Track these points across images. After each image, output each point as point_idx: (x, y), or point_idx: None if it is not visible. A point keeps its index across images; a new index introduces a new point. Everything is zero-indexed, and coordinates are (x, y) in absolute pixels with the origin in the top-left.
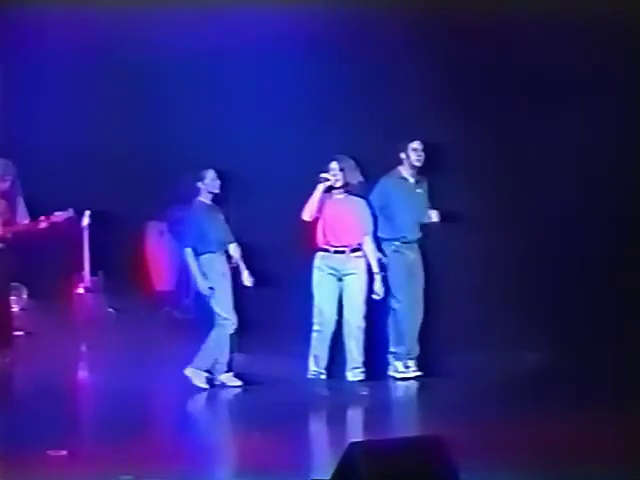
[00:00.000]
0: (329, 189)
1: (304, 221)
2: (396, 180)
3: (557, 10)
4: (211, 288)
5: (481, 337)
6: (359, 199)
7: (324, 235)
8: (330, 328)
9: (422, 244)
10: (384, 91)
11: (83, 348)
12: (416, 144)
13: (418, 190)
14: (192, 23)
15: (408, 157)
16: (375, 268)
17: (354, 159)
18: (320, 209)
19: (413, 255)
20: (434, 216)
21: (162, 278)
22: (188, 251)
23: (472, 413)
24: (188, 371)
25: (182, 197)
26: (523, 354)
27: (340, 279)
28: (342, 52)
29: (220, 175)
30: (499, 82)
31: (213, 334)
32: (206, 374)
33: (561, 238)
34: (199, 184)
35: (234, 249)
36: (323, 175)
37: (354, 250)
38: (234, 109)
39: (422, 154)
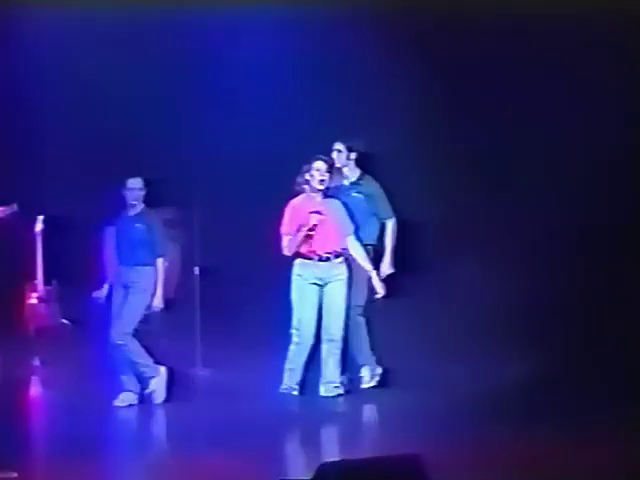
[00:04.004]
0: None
1: (277, 226)
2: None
3: (523, 6)
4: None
5: (461, 348)
6: (334, 200)
7: (304, 243)
8: (310, 340)
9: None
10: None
11: (36, 362)
12: (336, 145)
13: (354, 194)
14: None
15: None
16: (368, 266)
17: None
18: (304, 215)
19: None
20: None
21: None
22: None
23: (452, 430)
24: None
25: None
26: (507, 366)
27: (322, 287)
28: (306, 51)
29: (184, 179)
30: (468, 79)
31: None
32: (130, 393)
33: (540, 240)
34: (127, 192)
35: (161, 262)
36: (316, 218)
37: (337, 256)
38: (196, 111)
39: (342, 156)
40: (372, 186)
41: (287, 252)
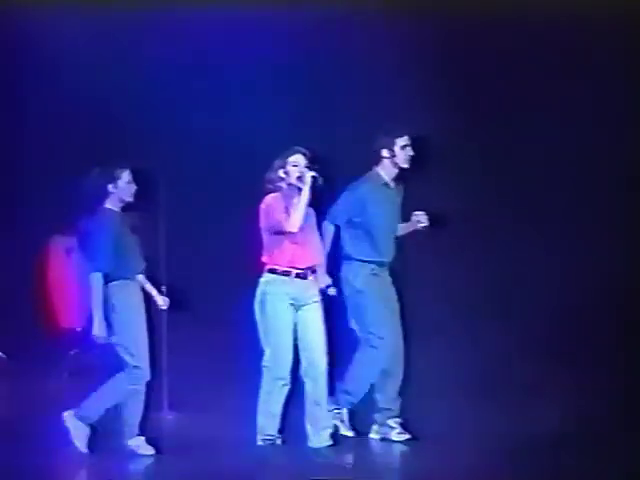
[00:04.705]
0: (276, 188)
1: (255, 235)
2: (376, 186)
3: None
4: (110, 336)
5: (483, 386)
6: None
7: (287, 253)
8: (288, 376)
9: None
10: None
11: None
12: (405, 140)
13: (397, 199)
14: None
15: (393, 156)
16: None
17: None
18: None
19: (389, 279)
20: (423, 219)
21: (69, 311)
22: (96, 277)
23: None
24: (67, 414)
25: (87, 202)
26: (539, 408)
27: (296, 309)
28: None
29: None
30: (492, 72)
31: (111, 382)
32: (88, 428)
33: (575, 252)
34: (110, 187)
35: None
36: (311, 173)
37: (314, 272)
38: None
39: (411, 153)
40: (402, 189)
41: (293, 228)
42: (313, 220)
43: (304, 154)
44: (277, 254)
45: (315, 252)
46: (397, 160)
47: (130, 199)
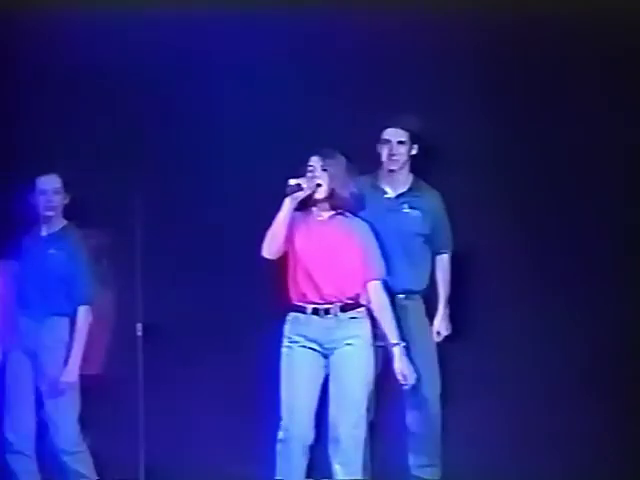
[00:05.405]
0: (304, 204)
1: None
2: (366, 187)
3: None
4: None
5: (529, 445)
6: (356, 221)
7: (297, 284)
8: (305, 435)
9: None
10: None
11: None
12: (390, 133)
13: (407, 210)
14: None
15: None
16: (394, 336)
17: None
18: (290, 239)
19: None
20: (442, 329)
21: None
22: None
23: None
24: None
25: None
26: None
27: (326, 356)
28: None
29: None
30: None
31: None
32: None
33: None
34: (32, 199)
35: (84, 313)
36: (293, 181)
37: (347, 307)
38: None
39: (401, 151)
40: (432, 199)
41: (263, 252)
42: (348, 235)
43: (323, 155)
44: (291, 286)
45: (341, 280)
46: (382, 158)
47: (49, 213)
